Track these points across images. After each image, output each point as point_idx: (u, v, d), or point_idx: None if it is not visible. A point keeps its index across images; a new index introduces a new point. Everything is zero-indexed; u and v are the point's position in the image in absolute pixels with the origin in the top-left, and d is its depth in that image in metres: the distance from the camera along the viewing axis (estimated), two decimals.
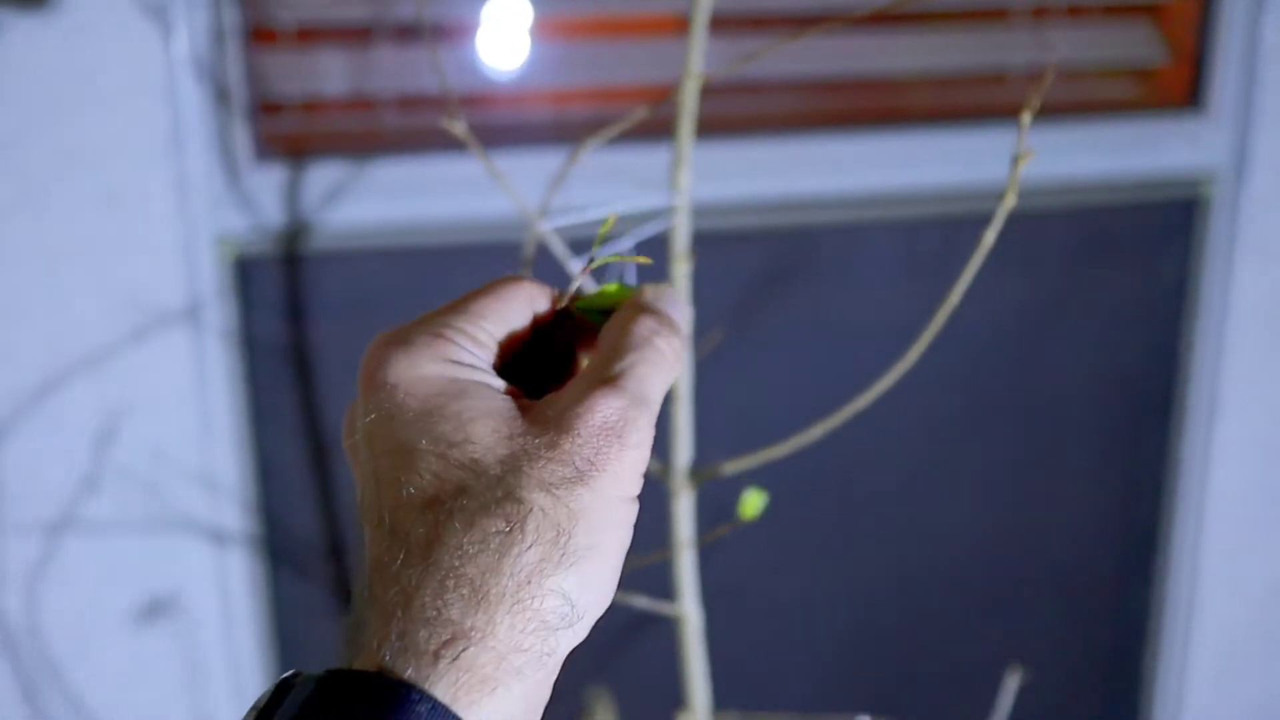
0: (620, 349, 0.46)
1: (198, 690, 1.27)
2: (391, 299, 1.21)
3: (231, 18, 1.11)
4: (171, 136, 1.12)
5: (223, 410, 1.20)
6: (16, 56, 1.08)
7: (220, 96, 1.12)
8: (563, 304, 0.49)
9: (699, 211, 1.22)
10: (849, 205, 1.27)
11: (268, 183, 1.15)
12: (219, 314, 1.17)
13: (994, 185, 1.17)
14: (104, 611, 1.23)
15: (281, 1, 1.14)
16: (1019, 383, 1.38)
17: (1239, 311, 1.38)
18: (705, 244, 1.23)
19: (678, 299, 0.49)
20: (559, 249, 0.57)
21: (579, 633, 0.42)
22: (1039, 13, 1.30)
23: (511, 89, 1.22)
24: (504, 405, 0.44)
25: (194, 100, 1.12)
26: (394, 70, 1.17)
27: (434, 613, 0.40)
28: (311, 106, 1.19)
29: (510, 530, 0.41)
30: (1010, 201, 0.53)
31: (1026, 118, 0.50)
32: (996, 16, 1.29)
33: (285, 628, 1.28)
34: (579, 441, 0.43)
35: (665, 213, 0.60)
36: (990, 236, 0.54)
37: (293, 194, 1.16)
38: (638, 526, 0.45)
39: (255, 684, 1.27)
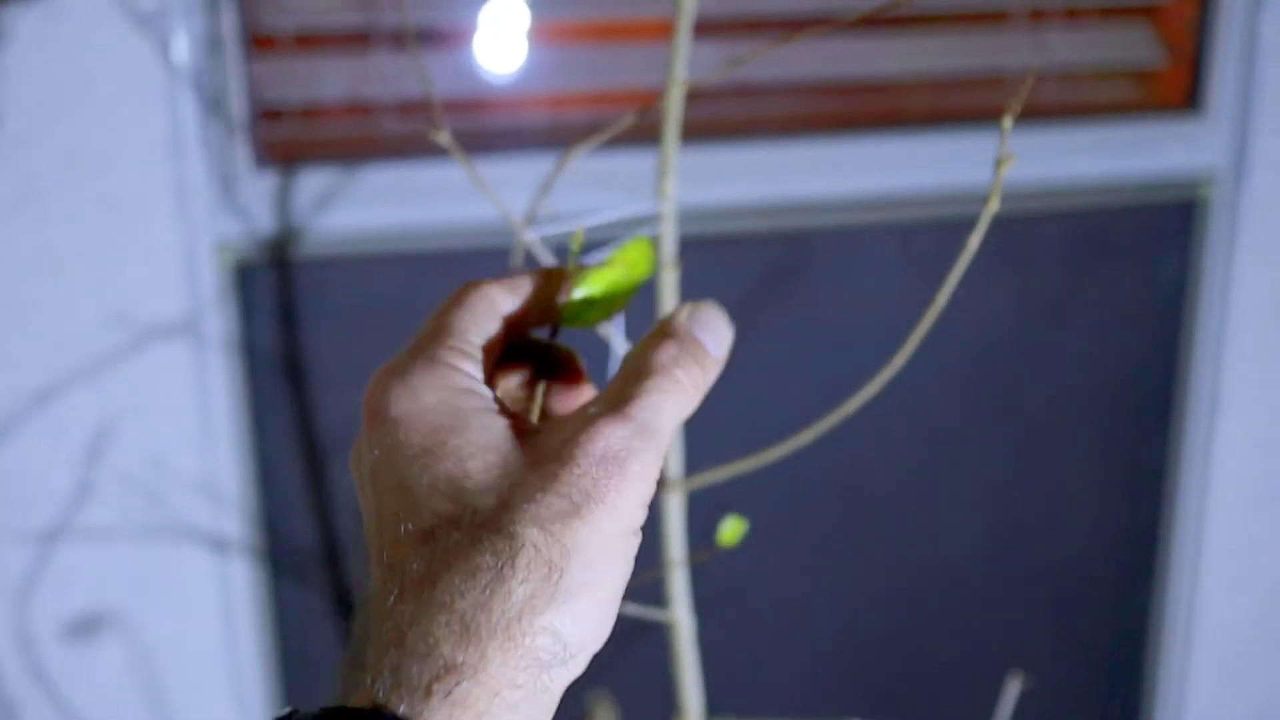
0: (635, 375, 0.45)
1: (199, 699, 1.27)
2: (392, 304, 1.21)
3: (230, 24, 1.11)
4: (171, 142, 1.13)
5: (223, 416, 1.20)
6: (16, 62, 1.08)
7: (219, 103, 1.13)
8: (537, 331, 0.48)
9: (698, 215, 1.22)
10: (847, 208, 1.27)
11: (267, 189, 1.16)
12: (219, 320, 1.18)
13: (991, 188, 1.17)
14: (101, 618, 1.24)
15: (280, 8, 1.14)
16: (1019, 385, 1.38)
17: (1239, 313, 1.38)
18: (703, 248, 1.23)
19: (716, 322, 0.48)
20: (545, 257, 0.57)
21: (573, 669, 0.42)
22: (1036, 15, 1.30)
23: (509, 93, 1.23)
24: (504, 438, 0.44)
25: (193, 106, 1.12)
26: (393, 76, 1.18)
27: (426, 648, 0.40)
28: (310, 113, 1.19)
29: (501, 567, 0.40)
30: (994, 205, 0.53)
31: (1008, 121, 0.50)
32: (994, 19, 1.30)
33: (287, 635, 1.28)
34: (578, 473, 0.42)
35: (652, 220, 0.60)
36: (975, 241, 0.54)
37: (292, 200, 1.17)
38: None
39: (257, 691, 1.27)
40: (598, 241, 0.53)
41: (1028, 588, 1.46)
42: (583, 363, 0.52)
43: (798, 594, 1.40)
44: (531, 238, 0.58)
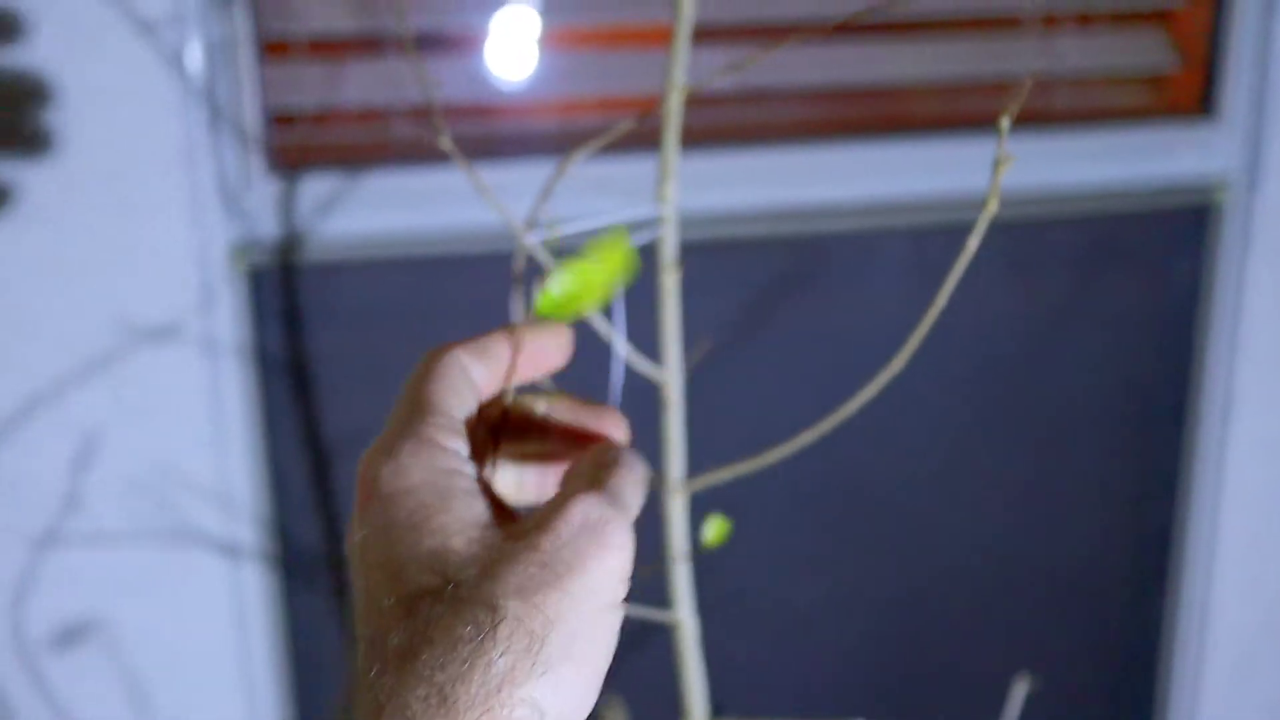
0: (597, 467, 0.48)
1: (211, 704, 1.28)
2: (401, 308, 1.22)
3: (243, 30, 1.12)
4: (183, 148, 1.13)
5: (235, 420, 1.21)
6: (29, 69, 1.09)
7: (232, 109, 1.14)
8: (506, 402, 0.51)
9: (708, 220, 1.23)
10: (859, 213, 1.27)
11: (279, 194, 1.17)
12: (230, 325, 1.19)
13: (1004, 193, 1.17)
14: (112, 623, 1.24)
15: (293, 14, 1.15)
16: (1032, 389, 1.38)
17: (1252, 317, 1.37)
18: (714, 253, 1.24)
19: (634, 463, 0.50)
20: (547, 262, 0.58)
21: None
22: (1049, 20, 1.30)
23: (519, 99, 1.23)
24: (487, 516, 0.45)
25: (206, 112, 1.13)
26: (403, 81, 1.18)
27: None
28: (322, 118, 1.20)
29: (482, 638, 0.40)
30: (993, 208, 0.53)
31: (1005, 123, 0.50)
32: (1007, 24, 1.30)
33: (298, 639, 1.29)
34: (559, 542, 0.43)
35: (653, 224, 0.60)
36: (974, 243, 0.54)
37: (305, 206, 1.17)
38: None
39: (269, 695, 1.28)
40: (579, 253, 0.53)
41: (1041, 591, 1.46)
42: (552, 417, 0.54)
43: (807, 595, 1.40)
44: (532, 242, 0.58)
